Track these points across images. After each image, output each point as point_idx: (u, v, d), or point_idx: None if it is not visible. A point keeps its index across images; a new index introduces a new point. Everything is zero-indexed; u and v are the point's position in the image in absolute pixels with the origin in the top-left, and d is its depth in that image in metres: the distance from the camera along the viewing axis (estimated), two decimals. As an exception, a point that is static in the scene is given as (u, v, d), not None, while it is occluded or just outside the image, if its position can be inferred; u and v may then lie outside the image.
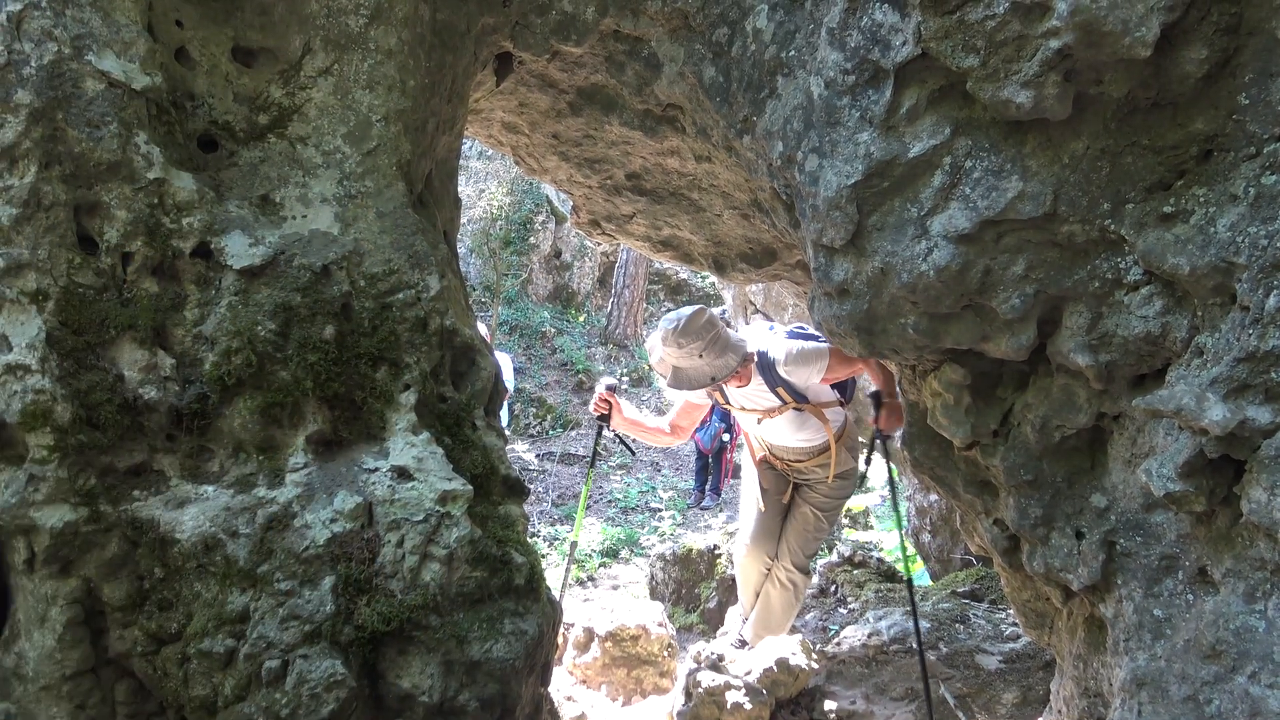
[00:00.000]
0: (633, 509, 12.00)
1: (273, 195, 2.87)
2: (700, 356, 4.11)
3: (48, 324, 2.52)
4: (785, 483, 5.01)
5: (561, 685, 4.87)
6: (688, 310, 4.17)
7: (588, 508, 11.96)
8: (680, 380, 4.20)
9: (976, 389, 2.94)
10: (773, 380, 4.36)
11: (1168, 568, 2.58)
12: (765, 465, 4.96)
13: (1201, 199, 2.30)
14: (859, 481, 4.94)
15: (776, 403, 4.48)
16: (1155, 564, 2.60)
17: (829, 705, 4.31)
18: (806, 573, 5.02)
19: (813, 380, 4.38)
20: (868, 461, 4.71)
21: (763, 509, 4.94)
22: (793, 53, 2.96)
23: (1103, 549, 2.72)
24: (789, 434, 4.65)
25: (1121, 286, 2.49)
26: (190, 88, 2.84)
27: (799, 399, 4.46)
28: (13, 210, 2.50)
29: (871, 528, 10.05)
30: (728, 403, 4.66)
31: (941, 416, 3.02)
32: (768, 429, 4.67)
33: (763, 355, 4.35)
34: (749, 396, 4.52)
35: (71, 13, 2.56)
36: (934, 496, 7.12)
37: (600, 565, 9.76)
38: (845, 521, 10.37)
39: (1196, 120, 2.30)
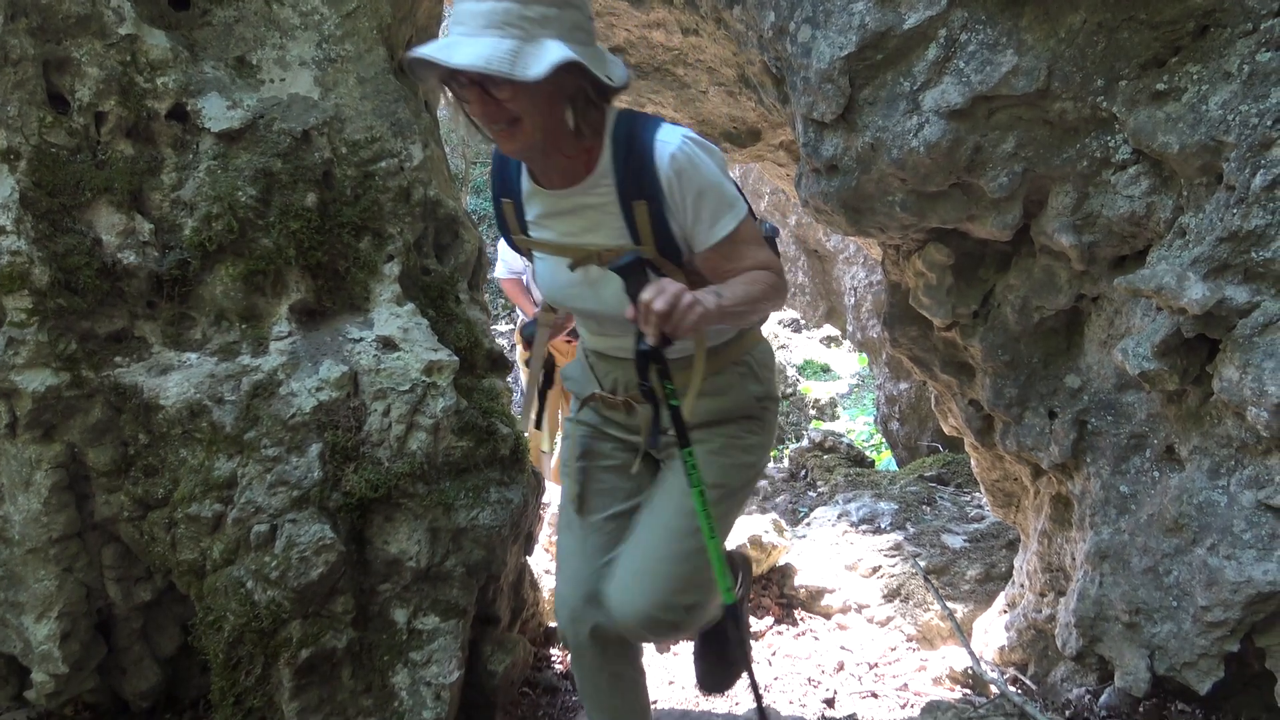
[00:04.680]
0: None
1: (249, 57, 2.77)
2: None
3: (20, 184, 2.45)
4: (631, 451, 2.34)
5: (540, 561, 4.98)
6: None
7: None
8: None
9: (959, 269, 2.95)
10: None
11: (1136, 446, 2.65)
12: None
13: (1195, 76, 2.28)
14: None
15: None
16: (1124, 442, 2.67)
17: (799, 581, 4.44)
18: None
19: None
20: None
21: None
22: (787, -81, 2.86)
23: (1074, 428, 2.78)
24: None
25: (1109, 166, 2.48)
26: (159, -60, 2.71)
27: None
28: (-22, 64, 2.41)
29: (838, 418, 10.22)
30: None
31: (924, 296, 3.04)
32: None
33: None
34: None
35: None
36: (903, 385, 7.23)
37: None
38: (813, 413, 10.52)
39: (1196, -7, 2.26)
